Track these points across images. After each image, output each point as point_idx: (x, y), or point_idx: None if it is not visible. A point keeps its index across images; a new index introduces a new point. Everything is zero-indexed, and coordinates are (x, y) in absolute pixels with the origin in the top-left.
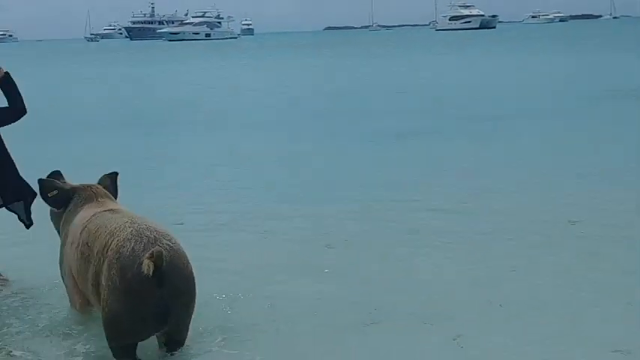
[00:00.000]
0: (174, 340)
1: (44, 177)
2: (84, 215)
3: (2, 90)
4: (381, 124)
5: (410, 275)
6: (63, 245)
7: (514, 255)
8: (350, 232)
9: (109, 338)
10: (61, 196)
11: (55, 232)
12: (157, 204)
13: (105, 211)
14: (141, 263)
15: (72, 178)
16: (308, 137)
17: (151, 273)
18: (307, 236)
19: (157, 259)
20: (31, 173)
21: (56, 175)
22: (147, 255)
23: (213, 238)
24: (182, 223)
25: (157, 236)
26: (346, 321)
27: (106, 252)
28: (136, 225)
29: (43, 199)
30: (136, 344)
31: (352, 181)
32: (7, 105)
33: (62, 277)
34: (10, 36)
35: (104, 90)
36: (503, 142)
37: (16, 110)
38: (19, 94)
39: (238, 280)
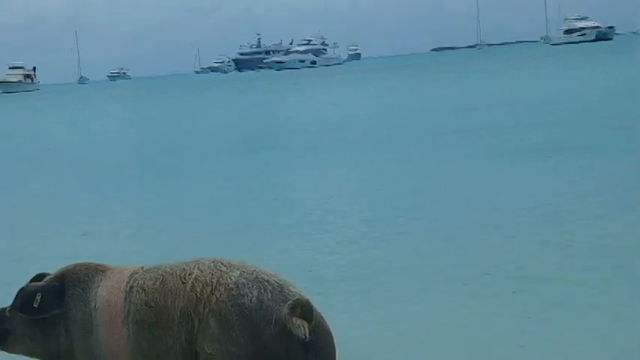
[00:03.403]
0: None
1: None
2: (111, 284)
3: None
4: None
5: None
6: (82, 340)
7: None
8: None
9: None
10: (49, 295)
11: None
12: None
13: (143, 267)
14: (279, 320)
15: None
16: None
17: (307, 336)
18: None
19: (306, 313)
20: None
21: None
22: (288, 308)
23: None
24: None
25: (279, 282)
26: None
27: (205, 307)
28: (238, 265)
29: (30, 314)
30: None
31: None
32: None
33: None
34: (124, 74)
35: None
36: None
37: None
38: None
39: None
